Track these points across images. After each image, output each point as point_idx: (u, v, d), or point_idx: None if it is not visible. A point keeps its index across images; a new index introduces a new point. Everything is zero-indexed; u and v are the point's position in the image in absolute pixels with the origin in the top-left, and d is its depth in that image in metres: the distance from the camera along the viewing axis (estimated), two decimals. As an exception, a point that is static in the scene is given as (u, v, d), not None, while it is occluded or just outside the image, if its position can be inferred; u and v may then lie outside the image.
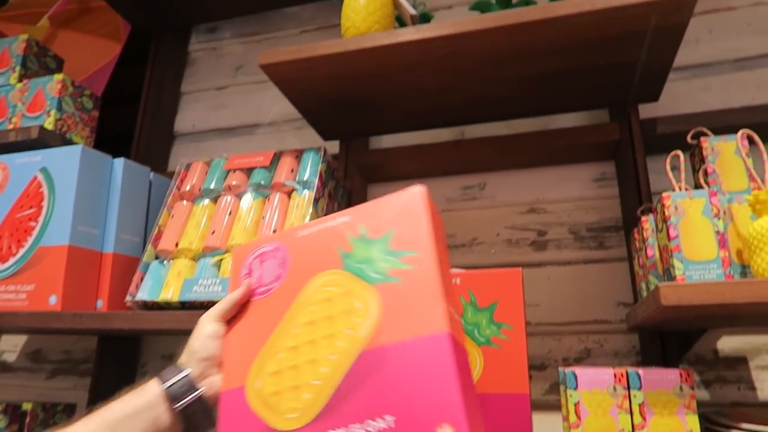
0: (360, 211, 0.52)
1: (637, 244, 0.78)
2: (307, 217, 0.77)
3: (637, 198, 0.86)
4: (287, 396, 0.46)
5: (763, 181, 0.68)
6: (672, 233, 0.61)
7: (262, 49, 1.29)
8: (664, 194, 0.63)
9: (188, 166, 0.91)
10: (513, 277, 0.67)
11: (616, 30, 0.73)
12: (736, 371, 0.84)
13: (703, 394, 0.84)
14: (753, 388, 0.82)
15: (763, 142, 0.89)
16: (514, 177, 1.03)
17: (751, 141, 0.72)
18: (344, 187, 0.97)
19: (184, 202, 0.86)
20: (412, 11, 0.79)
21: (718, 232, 0.60)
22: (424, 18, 0.91)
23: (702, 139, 0.74)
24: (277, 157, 0.87)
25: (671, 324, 0.74)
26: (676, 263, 0.60)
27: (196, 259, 0.80)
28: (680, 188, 0.67)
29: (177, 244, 0.81)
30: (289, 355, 0.47)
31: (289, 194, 0.83)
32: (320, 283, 0.49)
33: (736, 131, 0.84)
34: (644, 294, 0.76)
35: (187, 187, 0.87)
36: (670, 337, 0.84)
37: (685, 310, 0.57)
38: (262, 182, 0.84)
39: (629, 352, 0.89)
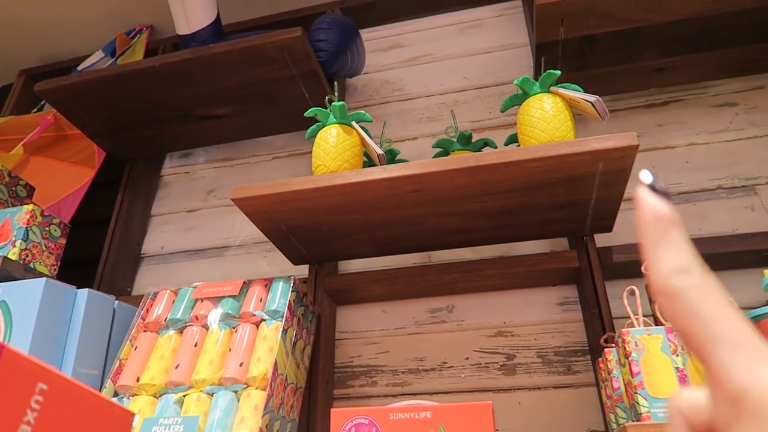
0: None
1: (603, 374, 0.79)
2: (276, 349, 0.76)
3: (599, 323, 0.89)
4: None
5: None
6: (634, 369, 0.63)
7: (235, 174, 1.33)
8: (624, 330, 0.65)
9: (155, 295, 0.91)
10: (483, 411, 0.67)
11: (568, 173, 0.79)
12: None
13: None
14: None
15: (715, 270, 0.95)
16: (481, 300, 1.05)
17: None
18: (314, 312, 0.98)
19: (149, 333, 0.85)
20: (379, 151, 0.85)
21: (677, 369, 0.62)
22: (390, 154, 0.97)
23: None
24: (246, 286, 0.88)
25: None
26: (641, 400, 0.61)
27: (158, 395, 0.77)
28: (638, 321, 0.69)
29: (138, 379, 0.79)
30: None
31: (257, 324, 0.82)
32: None
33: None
34: (614, 426, 0.76)
35: (153, 317, 0.86)
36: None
37: (653, 450, 0.58)
38: (231, 312, 0.84)
39: (604, 485, 0.87)
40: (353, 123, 0.90)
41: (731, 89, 1.14)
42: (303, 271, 1.09)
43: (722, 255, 0.92)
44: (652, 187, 0.24)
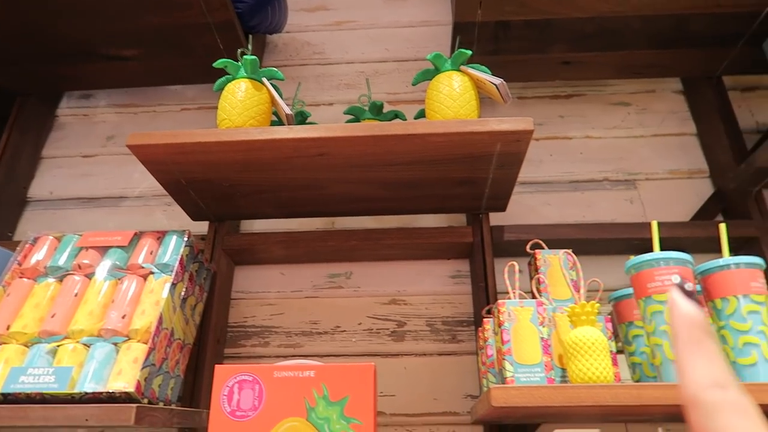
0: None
1: (481, 343, 0.85)
2: (162, 303, 0.75)
3: (485, 296, 0.94)
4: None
5: (578, 294, 0.78)
6: (505, 338, 0.68)
7: (139, 122, 1.27)
8: (500, 301, 0.70)
9: (35, 240, 0.85)
10: (365, 373, 0.69)
11: (468, 150, 0.82)
12: (566, 463, 0.91)
13: (537, 487, 0.89)
14: (579, 480, 0.90)
15: (592, 254, 1.04)
16: (379, 268, 1.08)
17: (574, 253, 0.83)
18: (209, 270, 0.96)
19: (25, 280, 0.80)
20: (288, 111, 0.84)
21: (542, 339, 0.68)
22: (301, 116, 0.96)
23: (536, 251, 0.85)
24: (136, 238, 0.84)
25: (512, 418, 0.80)
26: (508, 366, 0.66)
27: (29, 345, 0.73)
28: (514, 294, 0.75)
29: (8, 327, 0.74)
30: None
31: (145, 277, 0.80)
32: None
33: (567, 244, 0.96)
34: (485, 390, 0.81)
35: (30, 263, 0.81)
36: (508, 430, 0.90)
37: (512, 410, 0.63)
38: (118, 263, 0.81)
39: (475, 445, 0.93)
40: (264, 79, 0.88)
41: (627, 90, 1.22)
42: (203, 228, 1.06)
43: (600, 241, 1.00)
44: (682, 289, 0.24)
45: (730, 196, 1.04)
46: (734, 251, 1.04)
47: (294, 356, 1.01)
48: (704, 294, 0.74)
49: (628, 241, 0.99)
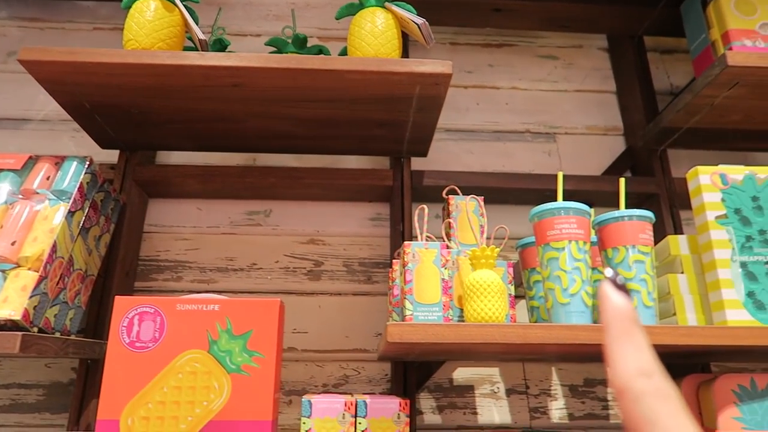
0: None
1: (390, 283, 0.87)
2: (57, 231, 0.71)
3: (401, 240, 0.96)
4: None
5: (482, 239, 0.81)
6: (408, 277, 0.70)
7: (45, 38, 1.17)
8: (406, 242, 0.71)
9: None
10: (270, 308, 0.70)
11: (387, 91, 0.81)
12: (465, 398, 0.97)
13: (437, 418, 0.95)
14: (475, 413, 0.96)
15: (509, 203, 1.07)
16: (300, 208, 1.07)
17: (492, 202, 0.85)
18: (117, 200, 0.92)
19: None
20: (201, 36, 0.79)
21: (443, 280, 0.70)
22: (219, 44, 0.91)
23: (450, 196, 0.86)
24: (32, 162, 0.79)
25: (412, 355, 0.84)
26: (408, 304, 0.68)
27: None
28: (422, 237, 0.76)
29: None
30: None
31: (39, 204, 0.75)
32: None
33: (485, 192, 0.99)
34: (391, 328, 0.84)
35: None
36: (414, 367, 0.95)
37: (409, 346, 0.65)
38: (10, 187, 0.76)
39: (381, 379, 0.97)
40: (177, 0, 0.82)
41: (556, 43, 1.24)
42: (114, 157, 1.01)
43: (516, 190, 1.03)
44: (614, 282, 0.25)
45: (639, 153, 1.09)
46: (638, 206, 1.10)
47: (207, 291, 1.00)
48: (599, 244, 0.78)
49: (542, 191, 1.03)
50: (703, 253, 0.79)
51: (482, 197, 0.86)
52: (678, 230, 1.01)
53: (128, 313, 0.68)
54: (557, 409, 0.97)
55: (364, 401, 0.66)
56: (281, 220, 1.06)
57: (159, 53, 0.75)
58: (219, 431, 0.65)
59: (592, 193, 1.03)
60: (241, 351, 0.69)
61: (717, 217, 0.78)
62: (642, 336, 0.24)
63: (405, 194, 0.98)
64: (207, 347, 0.67)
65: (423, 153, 1.01)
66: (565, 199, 1.05)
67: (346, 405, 0.65)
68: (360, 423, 0.65)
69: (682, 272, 0.82)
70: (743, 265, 0.75)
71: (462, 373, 0.98)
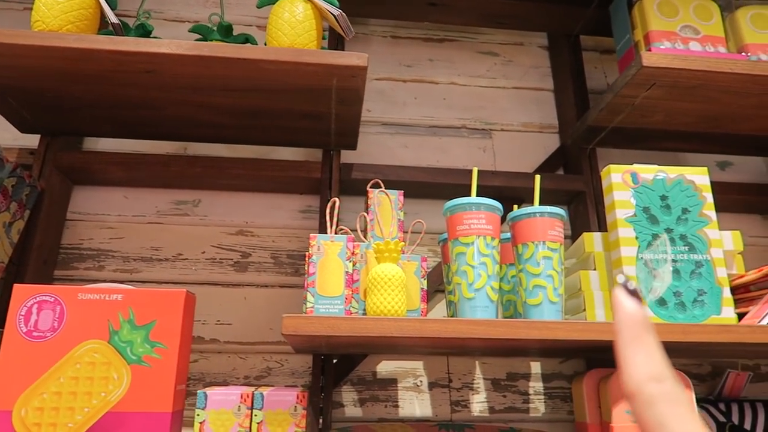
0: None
1: (305, 276, 0.86)
2: (-45, 217, 0.69)
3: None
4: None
5: (401, 232, 0.81)
6: (311, 270, 0.69)
7: (-32, 17, 1.13)
8: (312, 235, 0.71)
9: None
10: (175, 298, 0.69)
11: (305, 82, 0.81)
12: (387, 391, 0.97)
13: (357, 411, 0.95)
14: (397, 406, 0.96)
15: (439, 197, 1.07)
16: (229, 198, 1.06)
17: (411, 196, 0.85)
18: (35, 187, 0.90)
19: None
20: (114, 20, 0.77)
21: (347, 273, 0.70)
22: (142, 29, 0.89)
23: (370, 189, 0.86)
24: (-67, 145, 0.77)
25: (325, 348, 0.84)
26: (309, 297, 0.68)
27: None
28: (332, 230, 0.76)
29: None
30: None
31: (-61, 188, 0.73)
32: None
33: (415, 186, 0.99)
34: (307, 321, 0.83)
35: None
36: (336, 360, 0.95)
37: (308, 338, 0.65)
38: None
39: (305, 371, 0.97)
40: (91, -18, 0.80)
41: (497, 40, 1.24)
42: (34, 142, 0.98)
43: (447, 186, 1.03)
44: (626, 288, 0.26)
45: (570, 151, 1.10)
46: (567, 203, 1.11)
47: (130, 281, 0.98)
48: (512, 240, 0.79)
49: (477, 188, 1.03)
50: (612, 251, 0.80)
51: (402, 191, 0.86)
52: (603, 228, 1.02)
53: (27, 302, 0.66)
54: (478, 403, 0.98)
55: (261, 393, 0.66)
56: (210, 210, 1.05)
57: (66, 36, 0.73)
58: (116, 423, 0.65)
59: (522, 189, 1.04)
60: (143, 342, 0.68)
61: (626, 216, 0.79)
62: (654, 341, 0.24)
63: (333, 187, 0.98)
64: (107, 337, 0.66)
65: (352, 146, 1.01)
66: (497, 195, 1.06)
67: (242, 397, 0.65)
68: (256, 415, 0.65)
69: (595, 269, 0.83)
70: (648, 263, 0.77)
71: (386, 367, 0.98)
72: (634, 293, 0.26)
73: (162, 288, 0.86)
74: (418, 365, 0.99)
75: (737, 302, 0.83)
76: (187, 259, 1.01)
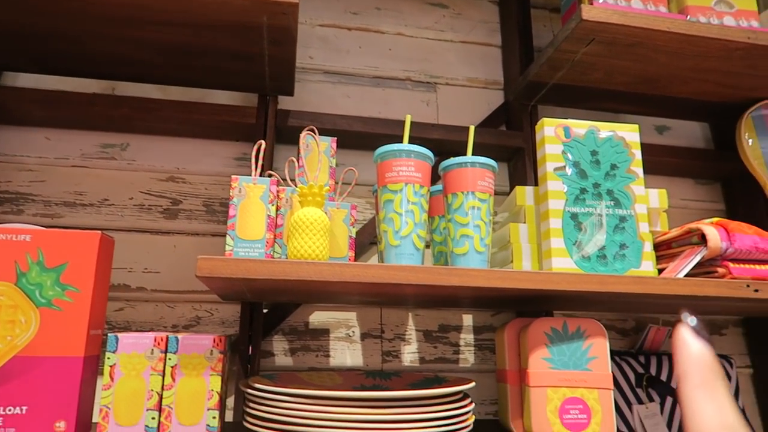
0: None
1: (235, 222, 0.84)
2: None
3: (262, 181, 0.93)
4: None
5: (333, 180, 0.79)
6: (231, 212, 0.67)
7: None
8: (233, 176, 0.68)
9: None
10: (89, 240, 0.66)
11: (233, 17, 0.76)
12: (319, 341, 0.97)
13: (288, 360, 0.95)
14: (328, 356, 0.97)
15: (374, 148, 1.05)
16: (160, 143, 1.01)
17: (349, 147, 0.83)
18: (-59, 122, 0.83)
19: None
20: (21, -63, 0.71)
21: (269, 216, 0.68)
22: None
23: (302, 135, 0.83)
24: None
25: (249, 294, 0.82)
26: (229, 240, 0.66)
27: None
28: (256, 173, 0.73)
29: None
30: None
31: None
32: None
33: (352, 136, 0.96)
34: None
35: None
36: (268, 309, 0.93)
37: (224, 282, 0.63)
38: None
39: (235, 321, 0.95)
40: None
41: (446, -9, 1.21)
42: (-57, 73, 0.91)
43: (387, 137, 1.02)
44: (693, 328, 0.24)
45: (512, 108, 1.10)
46: (506, 160, 1.11)
47: (51, 227, 0.94)
48: (443, 190, 0.78)
49: (414, 140, 1.02)
50: (540, 204, 0.81)
51: (335, 138, 0.84)
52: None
53: None
54: (409, 353, 0.99)
55: (176, 337, 0.64)
56: (139, 155, 1.00)
57: (-36, -49, 0.67)
58: (24, 367, 0.62)
59: (461, 144, 1.04)
60: (53, 284, 0.65)
61: (556, 169, 0.79)
62: (725, 389, 0.23)
63: (268, 133, 0.95)
64: (14, 279, 0.63)
65: (288, 91, 0.97)
66: (437, 149, 1.05)
67: (155, 340, 0.63)
68: (170, 359, 0.63)
69: (525, 222, 0.83)
70: (574, 216, 0.78)
71: (318, 317, 0.98)
72: (701, 335, 0.24)
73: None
74: (351, 316, 0.99)
75: (660, 258, 0.86)
76: (113, 204, 0.97)
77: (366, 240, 1.00)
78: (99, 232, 0.66)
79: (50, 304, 0.65)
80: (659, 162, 1.12)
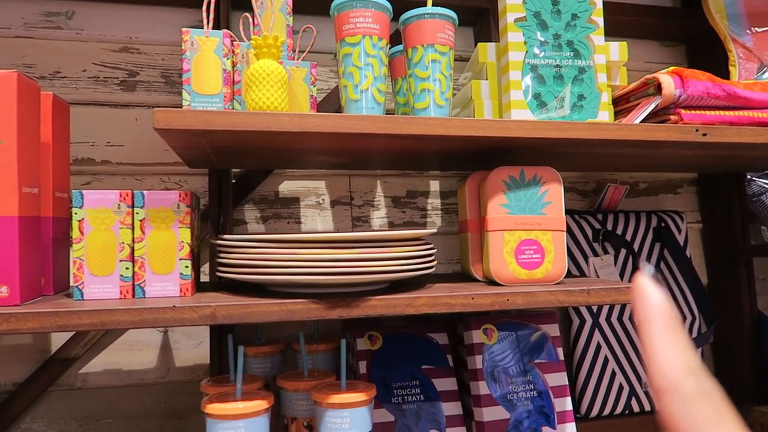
0: None
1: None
2: None
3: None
4: None
5: (291, 39, 0.77)
6: (185, 66, 0.66)
7: None
8: (184, 29, 0.66)
9: None
10: (4, 82, 0.60)
11: None
12: (290, 209, 0.99)
13: (260, 228, 0.98)
14: (299, 222, 1.00)
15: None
16: (107, 10, 0.96)
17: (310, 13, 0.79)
18: None
19: None
20: None
21: (224, 70, 0.67)
22: None
23: (256, -9, 0.80)
24: None
25: (219, 157, 0.83)
26: (185, 95, 0.65)
27: None
28: (208, 27, 0.71)
29: None
30: None
31: None
32: None
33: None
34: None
35: None
36: (237, 179, 0.95)
37: (183, 137, 0.63)
38: None
39: (204, 192, 0.96)
40: None
41: None
42: None
43: None
44: (654, 278, 0.25)
45: (478, -33, 1.06)
46: (471, 24, 1.09)
47: (4, 102, 0.91)
48: (403, 46, 0.77)
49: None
50: (501, 57, 0.80)
51: (291, -6, 0.81)
52: (504, 47, 1.01)
53: None
54: (379, 218, 1.03)
55: (142, 192, 0.65)
56: (86, 23, 0.95)
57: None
58: None
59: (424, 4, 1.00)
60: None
61: (516, 20, 0.78)
62: (685, 335, 0.23)
63: (222, 4, 0.90)
64: None
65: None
66: (411, 5, 1.01)
67: (121, 196, 0.64)
68: (138, 213, 0.64)
69: (486, 79, 0.84)
70: (534, 68, 0.78)
71: (288, 186, 1.00)
72: (660, 284, 0.25)
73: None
74: (320, 184, 1.01)
75: (618, 114, 0.88)
76: (66, 77, 0.93)
77: (331, 108, 0.99)
78: (16, 72, 0.60)
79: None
80: (623, 22, 1.11)
